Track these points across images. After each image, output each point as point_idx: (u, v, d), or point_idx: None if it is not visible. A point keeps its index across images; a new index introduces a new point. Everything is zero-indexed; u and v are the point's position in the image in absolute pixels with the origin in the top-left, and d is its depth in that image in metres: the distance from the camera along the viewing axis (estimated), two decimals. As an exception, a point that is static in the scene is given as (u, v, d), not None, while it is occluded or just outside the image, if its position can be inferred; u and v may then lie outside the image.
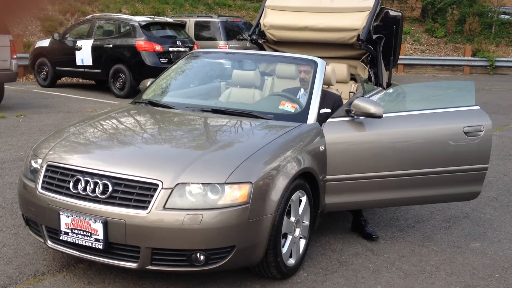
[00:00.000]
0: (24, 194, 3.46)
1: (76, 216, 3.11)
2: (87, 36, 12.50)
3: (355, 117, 3.96)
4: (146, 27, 11.97)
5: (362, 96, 4.38)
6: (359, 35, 5.26)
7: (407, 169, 4.02)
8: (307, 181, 3.61)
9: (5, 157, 6.26)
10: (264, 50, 6.02)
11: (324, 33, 5.47)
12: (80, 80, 14.56)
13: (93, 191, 3.12)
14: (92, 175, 3.17)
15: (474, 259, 3.98)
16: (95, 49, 12.17)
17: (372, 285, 3.51)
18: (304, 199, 3.59)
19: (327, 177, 3.84)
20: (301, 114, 4.00)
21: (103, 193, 3.09)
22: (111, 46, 11.98)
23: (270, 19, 5.79)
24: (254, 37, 5.90)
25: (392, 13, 6.02)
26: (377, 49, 5.43)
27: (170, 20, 13.48)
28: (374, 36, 5.36)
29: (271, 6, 5.87)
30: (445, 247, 4.19)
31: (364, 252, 4.02)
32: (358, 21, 5.34)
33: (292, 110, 4.08)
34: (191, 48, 12.28)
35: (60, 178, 3.27)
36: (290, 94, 4.34)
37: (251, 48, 6.15)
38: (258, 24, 5.86)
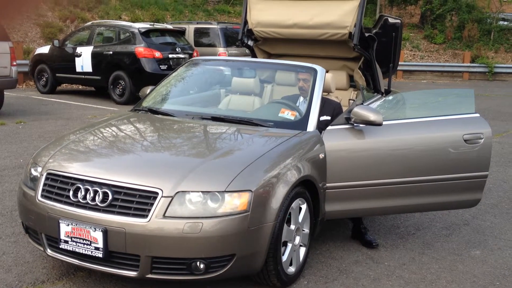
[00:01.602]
0: (24, 202, 3.45)
1: (76, 225, 3.11)
2: (87, 42, 12.53)
3: (354, 124, 3.96)
4: (146, 33, 12.00)
5: (362, 104, 4.38)
6: (350, 33, 5.15)
7: (407, 176, 4.02)
8: (307, 189, 3.61)
9: (4, 164, 6.25)
10: (255, 54, 5.93)
11: (314, 30, 5.32)
12: (80, 87, 14.58)
13: (93, 199, 3.11)
14: (92, 183, 3.17)
15: (475, 267, 3.98)
16: (95, 56, 12.18)
17: (373, 293, 3.50)
18: (304, 207, 3.58)
19: (327, 184, 3.84)
20: (301, 121, 4.00)
21: (103, 201, 3.09)
22: (111, 52, 12.00)
23: (256, 14, 5.56)
24: (244, 40, 5.74)
25: (391, 20, 6.04)
26: (369, 51, 5.33)
27: (169, 26, 13.51)
28: (366, 34, 5.24)
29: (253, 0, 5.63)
30: (446, 255, 4.18)
31: (364, 260, 4.01)
32: (348, 16, 5.13)
33: (292, 118, 4.09)
34: (190, 55, 12.31)
35: (60, 186, 3.27)
36: (289, 101, 4.35)
37: (251, 55, 6.01)
38: (245, 22, 5.67)
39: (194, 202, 3.04)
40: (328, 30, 5.20)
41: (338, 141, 3.93)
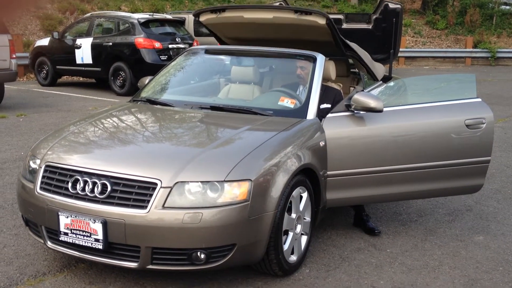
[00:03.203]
0: (23, 195, 3.43)
1: (75, 217, 3.09)
2: (87, 34, 12.47)
3: (355, 111, 3.93)
4: (145, 24, 11.93)
5: (362, 90, 4.34)
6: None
7: (409, 163, 3.99)
8: (308, 177, 3.58)
9: (5, 157, 6.24)
10: None
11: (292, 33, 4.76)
12: (81, 79, 14.54)
13: (92, 191, 3.09)
14: (90, 175, 3.14)
15: (478, 253, 3.96)
16: (94, 47, 12.14)
17: (375, 280, 3.48)
18: (304, 195, 3.56)
19: (328, 172, 3.81)
20: (300, 109, 3.97)
21: (101, 193, 3.07)
22: (111, 44, 11.96)
23: (220, 33, 5.16)
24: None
25: (391, 5, 5.97)
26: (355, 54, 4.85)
27: (169, 17, 13.44)
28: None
29: (209, 24, 5.01)
30: (448, 241, 4.16)
31: (366, 247, 3.99)
32: (323, 32, 4.46)
33: (292, 106, 4.05)
34: (190, 45, 12.24)
35: (59, 178, 3.25)
36: (289, 89, 4.31)
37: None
38: (218, 38, 5.31)
39: (193, 192, 3.02)
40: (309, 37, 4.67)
41: (338, 128, 3.90)
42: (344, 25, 6.17)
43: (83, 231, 3.08)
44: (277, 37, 4.87)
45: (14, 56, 9.63)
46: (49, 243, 3.29)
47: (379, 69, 5.32)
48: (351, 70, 5.43)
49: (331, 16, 5.02)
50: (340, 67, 5.11)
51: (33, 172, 3.43)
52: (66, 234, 3.15)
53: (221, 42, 5.46)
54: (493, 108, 4.40)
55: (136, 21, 11.85)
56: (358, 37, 5.64)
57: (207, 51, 5.25)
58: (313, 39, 4.66)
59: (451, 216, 4.70)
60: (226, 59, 5.10)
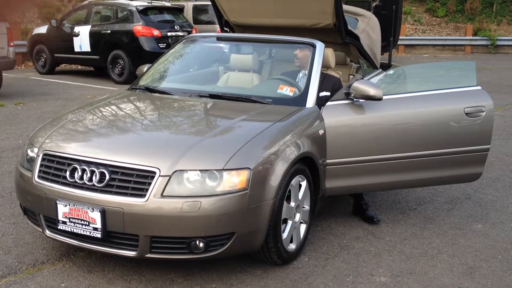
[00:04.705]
0: (21, 183, 3.42)
1: (74, 205, 3.08)
2: (85, 22, 12.42)
3: (354, 99, 3.91)
4: (144, 12, 11.87)
5: (362, 78, 4.32)
6: (335, 24, 4.62)
7: (408, 151, 3.98)
8: (307, 165, 3.57)
9: (3, 145, 6.22)
10: None
11: (295, 19, 4.80)
12: (79, 67, 14.48)
13: (90, 179, 3.08)
14: (88, 163, 3.13)
15: (476, 241, 3.96)
16: (93, 35, 12.08)
17: (374, 268, 3.48)
18: (304, 183, 3.55)
19: (327, 161, 3.81)
20: (300, 97, 3.95)
21: (100, 181, 3.06)
22: (109, 31, 11.89)
23: (227, 6, 5.10)
24: (226, 30, 5.39)
25: (391, -7, 5.93)
26: (358, 40, 4.88)
27: (168, 4, 13.37)
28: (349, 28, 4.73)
29: None
30: (447, 229, 4.16)
31: (365, 236, 3.99)
32: (327, 7, 4.49)
33: (291, 94, 4.03)
34: (189, 33, 12.19)
35: (57, 167, 3.23)
36: (288, 77, 4.29)
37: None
38: (220, 16, 5.27)
39: (192, 181, 3.01)
40: (310, 19, 4.72)
41: (337, 116, 3.89)
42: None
43: (81, 220, 3.08)
44: (279, 10, 4.83)
45: (12, 44, 9.59)
46: (47, 232, 3.29)
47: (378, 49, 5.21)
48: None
49: None
50: (339, 55, 5.07)
51: (31, 160, 3.42)
52: (64, 222, 3.14)
53: (222, 28, 5.43)
54: (493, 96, 4.39)
55: (134, 9, 11.79)
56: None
57: (206, 39, 5.22)
58: (314, 24, 4.64)
59: (450, 205, 4.70)
60: (225, 47, 5.07)
